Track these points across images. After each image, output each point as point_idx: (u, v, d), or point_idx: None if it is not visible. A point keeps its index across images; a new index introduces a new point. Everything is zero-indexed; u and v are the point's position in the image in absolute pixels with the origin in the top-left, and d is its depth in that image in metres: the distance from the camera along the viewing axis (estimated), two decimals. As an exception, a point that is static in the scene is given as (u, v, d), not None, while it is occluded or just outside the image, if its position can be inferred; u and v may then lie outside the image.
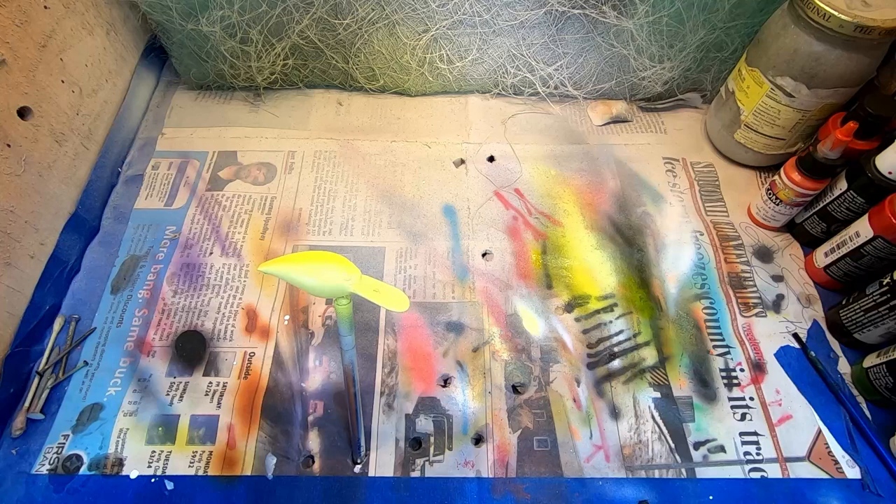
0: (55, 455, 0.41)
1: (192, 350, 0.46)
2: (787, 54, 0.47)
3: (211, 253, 0.51)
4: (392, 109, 0.63)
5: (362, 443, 0.40)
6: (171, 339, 0.46)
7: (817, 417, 0.44)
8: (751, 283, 0.51)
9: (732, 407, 0.45)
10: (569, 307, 0.49)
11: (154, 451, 0.41)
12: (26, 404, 0.42)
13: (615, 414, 0.44)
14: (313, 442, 0.42)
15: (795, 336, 0.48)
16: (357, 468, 0.41)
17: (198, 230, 0.53)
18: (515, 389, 0.45)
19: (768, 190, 0.52)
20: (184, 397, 0.43)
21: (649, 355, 0.47)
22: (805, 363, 0.47)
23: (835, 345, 0.48)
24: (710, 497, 0.41)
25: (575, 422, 0.43)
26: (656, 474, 0.41)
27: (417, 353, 0.46)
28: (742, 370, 0.46)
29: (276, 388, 0.44)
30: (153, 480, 0.40)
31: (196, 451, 0.41)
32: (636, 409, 0.44)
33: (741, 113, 0.54)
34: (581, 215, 0.55)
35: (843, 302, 0.47)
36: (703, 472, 0.42)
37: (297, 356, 0.46)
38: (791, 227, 0.54)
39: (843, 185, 0.47)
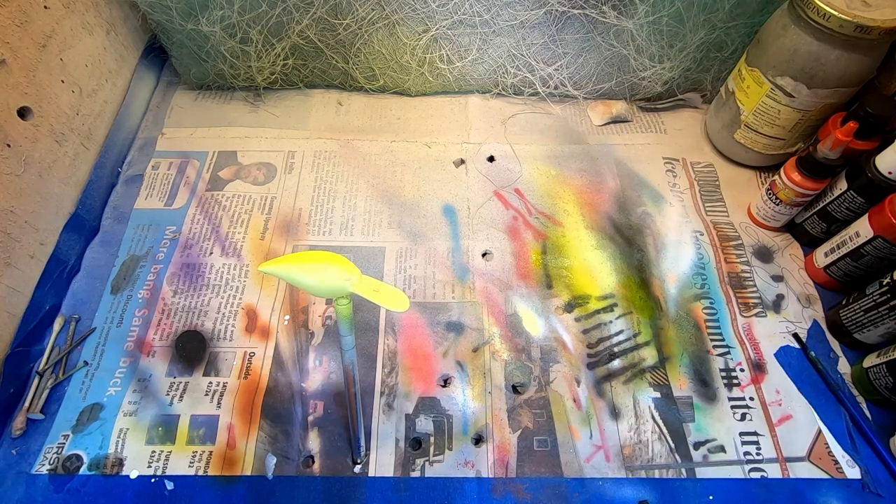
0: (55, 455, 0.41)
1: (192, 350, 0.46)
2: (787, 54, 0.47)
3: (211, 253, 0.51)
4: (392, 109, 0.63)
5: (362, 443, 0.40)
6: (171, 339, 0.46)
7: (817, 417, 0.44)
8: (751, 283, 0.51)
9: (732, 407, 0.45)
10: (569, 307, 0.49)
11: (154, 451, 0.41)
12: (26, 404, 0.42)
13: (615, 414, 0.44)
14: (313, 442, 0.42)
15: (795, 336, 0.48)
16: (357, 468, 0.41)
17: (198, 230, 0.53)
18: (515, 389, 0.45)
19: (768, 190, 0.52)
20: (184, 397, 0.43)
21: (649, 355, 0.47)
22: (805, 363, 0.47)
23: (835, 345, 0.48)
24: (710, 497, 0.41)
25: (575, 422, 0.43)
26: (656, 474, 0.41)
27: (417, 353, 0.46)
28: (742, 370, 0.46)
29: (276, 388, 0.44)
30: (153, 480, 0.40)
31: (196, 451, 0.41)
32: (636, 409, 0.44)
33: (741, 113, 0.54)
34: (581, 215, 0.55)
35: (843, 302, 0.47)
36: (703, 472, 0.42)
37: (297, 356, 0.46)
38: (791, 227, 0.54)
39: (843, 185, 0.47)
